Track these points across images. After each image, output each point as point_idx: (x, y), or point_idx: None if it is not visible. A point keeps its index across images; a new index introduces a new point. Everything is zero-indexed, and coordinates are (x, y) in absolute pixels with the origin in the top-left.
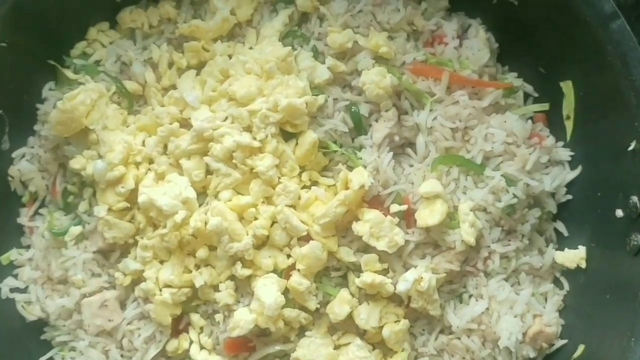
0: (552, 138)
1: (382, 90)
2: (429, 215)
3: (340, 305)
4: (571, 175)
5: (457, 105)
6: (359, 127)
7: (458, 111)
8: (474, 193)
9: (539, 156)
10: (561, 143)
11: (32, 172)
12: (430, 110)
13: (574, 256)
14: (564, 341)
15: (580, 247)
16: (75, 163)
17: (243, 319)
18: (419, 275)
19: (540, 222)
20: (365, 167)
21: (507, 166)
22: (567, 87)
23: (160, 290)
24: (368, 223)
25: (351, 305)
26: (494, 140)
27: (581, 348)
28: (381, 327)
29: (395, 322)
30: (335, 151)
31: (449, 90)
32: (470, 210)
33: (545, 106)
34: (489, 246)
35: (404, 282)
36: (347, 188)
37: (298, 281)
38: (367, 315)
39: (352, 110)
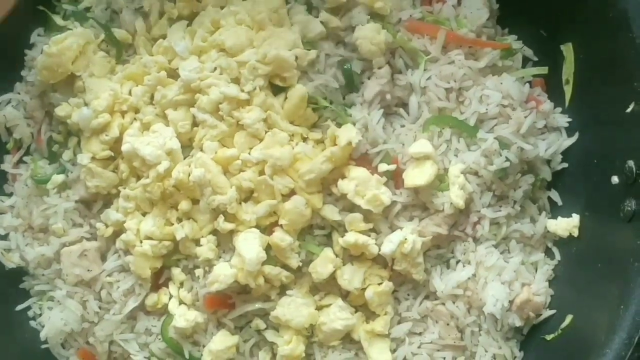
0: (549, 103)
1: (376, 46)
2: (417, 176)
3: (323, 264)
4: (567, 142)
5: (452, 65)
6: (351, 84)
7: (453, 71)
8: (466, 155)
9: (535, 120)
10: (559, 109)
11: (17, 119)
12: (425, 70)
13: (567, 224)
14: (552, 311)
15: (574, 215)
16: (61, 110)
17: (222, 274)
18: (404, 237)
19: (534, 189)
20: (354, 124)
21: (501, 129)
22: (567, 49)
23: (141, 242)
24: (354, 181)
25: (335, 265)
26: (489, 102)
27: (569, 318)
28: (364, 289)
29: (378, 284)
30: (325, 107)
31: (444, 49)
32: (461, 173)
33: (544, 69)
34: (479, 211)
35: (389, 244)
36: (335, 145)
37: (280, 237)
38: (350, 276)
39: (345, 66)
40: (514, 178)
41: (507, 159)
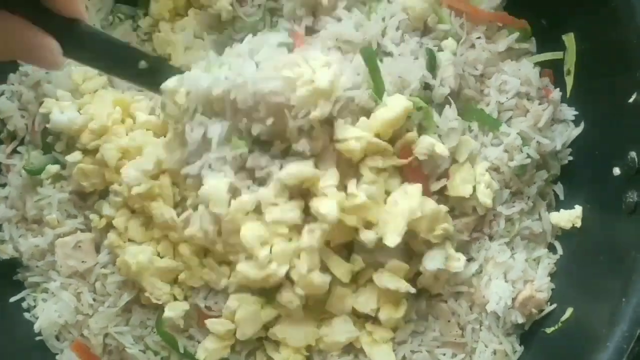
0: (558, 92)
1: (428, 4)
2: (460, 185)
3: None
4: (575, 132)
5: (475, 50)
6: (432, 71)
7: (476, 56)
8: (488, 151)
9: (551, 112)
10: (564, 105)
11: (11, 110)
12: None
13: (569, 216)
14: (554, 306)
15: (576, 206)
16: (44, 108)
17: None
18: (456, 256)
19: (545, 185)
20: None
21: (518, 122)
22: (569, 40)
23: (125, 242)
24: (426, 218)
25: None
26: (508, 90)
27: (569, 311)
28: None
29: (393, 303)
30: (420, 109)
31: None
32: (486, 171)
33: (558, 54)
34: (495, 208)
35: (433, 261)
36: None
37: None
38: (366, 300)
39: (427, 48)
40: (530, 174)
41: (529, 156)
